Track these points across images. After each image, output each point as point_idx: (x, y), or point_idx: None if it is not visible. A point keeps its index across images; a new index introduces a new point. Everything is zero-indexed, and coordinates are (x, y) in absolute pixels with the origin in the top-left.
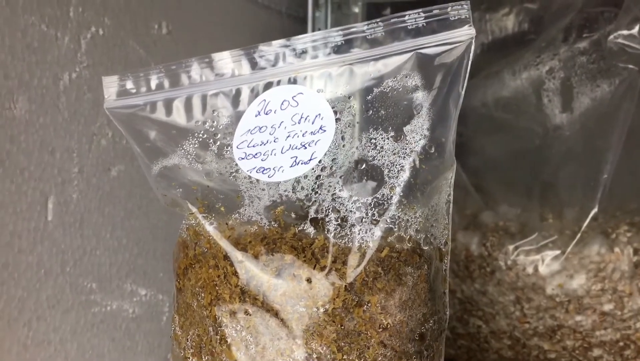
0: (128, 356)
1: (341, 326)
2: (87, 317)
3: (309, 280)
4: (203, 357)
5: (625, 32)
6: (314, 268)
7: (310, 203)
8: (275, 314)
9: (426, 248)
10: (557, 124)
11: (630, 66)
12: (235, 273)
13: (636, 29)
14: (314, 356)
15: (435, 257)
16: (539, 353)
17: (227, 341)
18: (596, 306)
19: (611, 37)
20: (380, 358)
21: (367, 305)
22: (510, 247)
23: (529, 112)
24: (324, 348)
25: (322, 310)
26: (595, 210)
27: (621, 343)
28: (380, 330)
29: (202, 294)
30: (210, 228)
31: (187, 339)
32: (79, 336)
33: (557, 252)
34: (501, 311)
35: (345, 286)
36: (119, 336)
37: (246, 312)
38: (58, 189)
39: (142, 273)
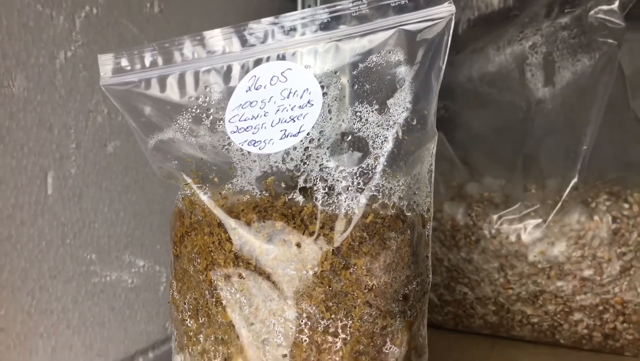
0: (128, 324)
1: (329, 287)
2: (87, 287)
3: (298, 245)
4: (200, 319)
5: (605, 7)
6: (303, 234)
7: (299, 173)
8: (267, 277)
9: (409, 214)
10: (540, 98)
11: (610, 40)
12: (229, 239)
13: (616, 4)
14: (304, 315)
15: (418, 223)
16: (522, 317)
17: (222, 303)
18: (576, 272)
19: (592, 12)
20: (365, 317)
21: (354, 268)
22: (495, 216)
23: (513, 87)
24: (313, 308)
25: (311, 272)
26: (575, 180)
27: (600, 307)
28: (366, 290)
29: (198, 260)
30: (204, 198)
31: (185, 302)
32: (80, 305)
33: (539, 220)
34: (486, 278)
35: (333, 250)
36: (118, 305)
37: (240, 276)
38: (57, 165)
39: (140, 245)
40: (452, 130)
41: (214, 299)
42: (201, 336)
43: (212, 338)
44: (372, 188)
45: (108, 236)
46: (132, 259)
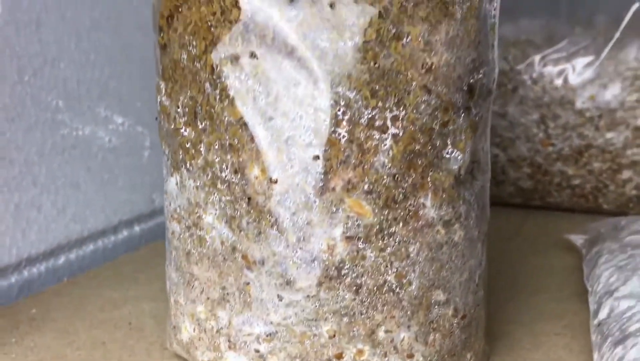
0: (108, 190)
1: (375, 64)
2: (55, 138)
3: (332, 5)
4: (199, 123)
5: None
6: None
7: None
8: (290, 53)
9: None
10: None
11: None
12: (236, 4)
13: None
14: (342, 103)
15: None
16: (562, 179)
17: (229, 96)
18: (630, 120)
19: None
20: (423, 107)
21: (407, 39)
22: (537, 57)
23: None
24: (354, 92)
25: (350, 43)
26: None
27: None
28: (424, 70)
29: (194, 42)
30: None
31: (178, 106)
32: (47, 159)
33: (590, 58)
34: (522, 134)
35: (380, 12)
36: (95, 166)
37: (252, 55)
38: None
39: (117, 98)
40: None
41: (217, 92)
42: (202, 146)
43: (216, 146)
44: None
45: (77, 80)
46: (108, 114)
